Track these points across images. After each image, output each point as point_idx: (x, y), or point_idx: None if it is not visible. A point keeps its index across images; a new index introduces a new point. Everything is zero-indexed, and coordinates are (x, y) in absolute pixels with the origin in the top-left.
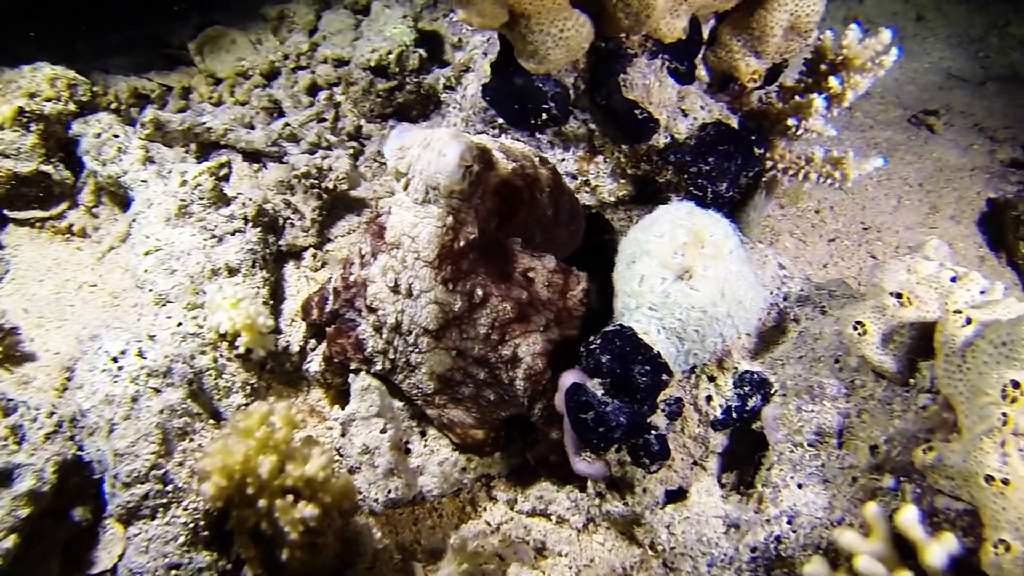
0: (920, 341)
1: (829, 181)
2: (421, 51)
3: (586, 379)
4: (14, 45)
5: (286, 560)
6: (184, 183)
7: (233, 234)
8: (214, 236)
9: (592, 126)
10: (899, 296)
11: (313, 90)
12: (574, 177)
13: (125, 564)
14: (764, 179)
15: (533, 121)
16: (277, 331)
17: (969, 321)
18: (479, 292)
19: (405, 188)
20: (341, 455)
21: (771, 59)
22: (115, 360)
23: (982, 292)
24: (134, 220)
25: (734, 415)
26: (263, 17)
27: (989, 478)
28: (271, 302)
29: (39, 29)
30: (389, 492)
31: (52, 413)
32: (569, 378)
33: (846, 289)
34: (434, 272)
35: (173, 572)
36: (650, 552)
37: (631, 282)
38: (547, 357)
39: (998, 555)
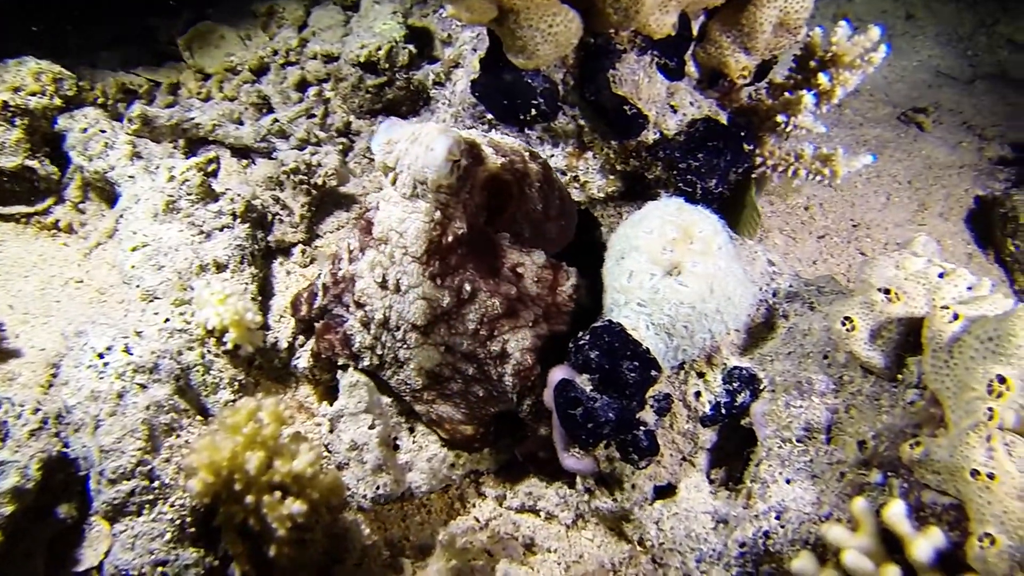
0: (908, 337)
1: (818, 178)
2: (411, 47)
3: (575, 375)
4: (2, 39)
5: (274, 556)
6: (172, 178)
7: (221, 230)
8: (202, 232)
9: (581, 122)
10: (887, 292)
11: (302, 86)
12: (563, 173)
13: (111, 561)
14: (754, 176)
15: (522, 117)
16: (265, 327)
17: (956, 317)
18: (467, 287)
19: (393, 183)
20: (329, 451)
21: (760, 55)
22: (101, 356)
23: (969, 288)
24: (121, 216)
25: (723, 411)
26: (252, 13)
27: (975, 472)
28: (259, 298)
29: (28, 23)
30: (377, 488)
31: (37, 410)
32: (558, 374)
33: (835, 285)
34: (422, 267)
35: (160, 569)
36: (639, 548)
37: (620, 278)
38: (536, 353)
39: (983, 548)
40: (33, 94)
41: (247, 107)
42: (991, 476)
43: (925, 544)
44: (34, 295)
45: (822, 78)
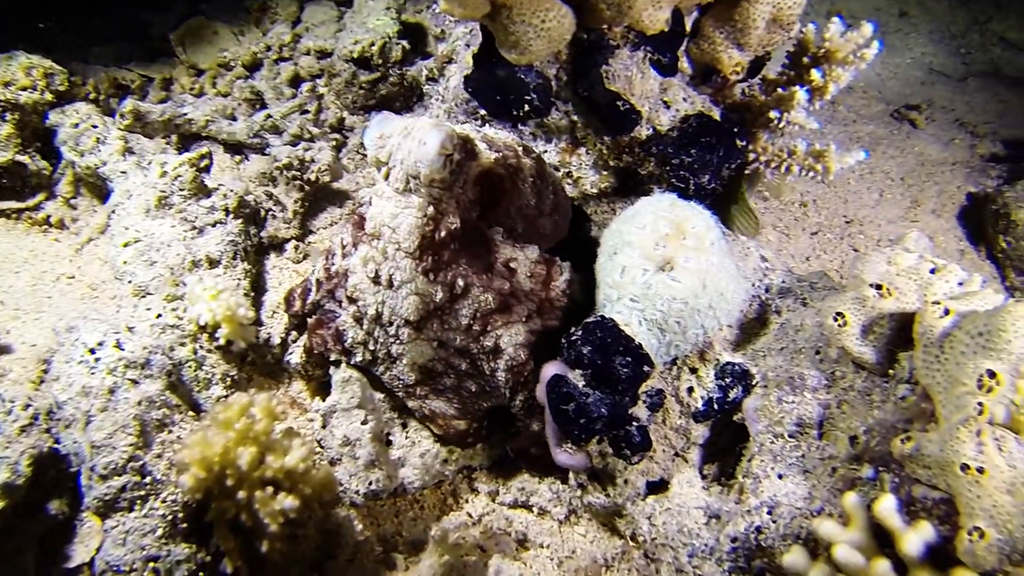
0: (899, 332)
1: (811, 174)
2: (404, 43)
3: (567, 370)
4: None
5: (266, 552)
6: (164, 174)
7: (214, 225)
8: (194, 227)
9: (574, 118)
10: (879, 287)
11: (295, 82)
12: (556, 169)
13: (102, 557)
14: (747, 172)
15: (515, 112)
16: (258, 323)
17: (947, 312)
18: (460, 282)
19: (385, 178)
20: (322, 447)
21: (754, 51)
22: (92, 351)
23: (960, 284)
24: (113, 211)
25: (715, 406)
26: (246, 8)
27: (965, 467)
28: (252, 294)
29: (20, 19)
30: (370, 484)
31: (28, 405)
32: (550, 369)
33: (827, 281)
34: (415, 263)
35: (151, 564)
36: (631, 543)
37: (613, 273)
38: (529, 348)
39: (972, 542)
40: (24, 89)
41: (240, 103)
42: (981, 470)
43: (915, 538)
44: (25, 291)
45: (815, 74)
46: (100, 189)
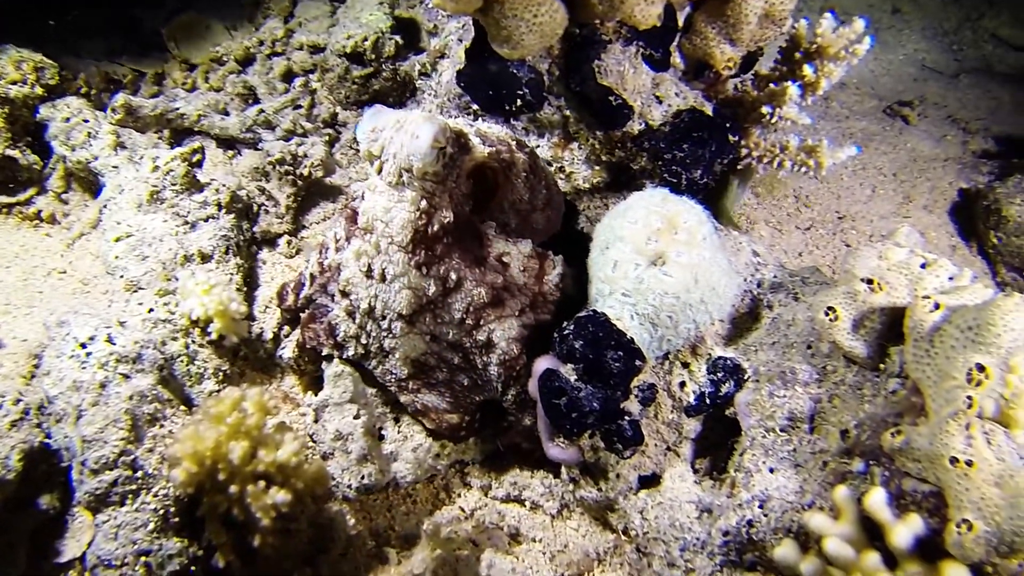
0: (890, 327)
1: (803, 169)
2: (397, 38)
3: (559, 365)
4: None
5: (258, 546)
6: (156, 169)
7: (206, 220)
8: (187, 222)
9: (567, 112)
10: (870, 282)
11: (288, 77)
12: (549, 163)
13: (94, 552)
14: (739, 167)
15: (507, 107)
16: (251, 318)
17: (937, 306)
18: (453, 276)
19: (378, 171)
20: (314, 441)
21: (746, 47)
22: (83, 346)
23: (951, 278)
24: (105, 206)
25: (707, 401)
26: (238, 3)
27: (954, 460)
28: (244, 289)
29: (12, 13)
30: (363, 478)
31: (18, 400)
32: (542, 364)
33: (819, 276)
34: (408, 256)
35: (143, 559)
36: (623, 537)
37: (605, 268)
38: (522, 342)
39: (961, 534)
40: (13, 83)
41: (233, 97)
42: (969, 463)
43: (904, 531)
44: (16, 286)
45: (807, 69)
46: (91, 184)
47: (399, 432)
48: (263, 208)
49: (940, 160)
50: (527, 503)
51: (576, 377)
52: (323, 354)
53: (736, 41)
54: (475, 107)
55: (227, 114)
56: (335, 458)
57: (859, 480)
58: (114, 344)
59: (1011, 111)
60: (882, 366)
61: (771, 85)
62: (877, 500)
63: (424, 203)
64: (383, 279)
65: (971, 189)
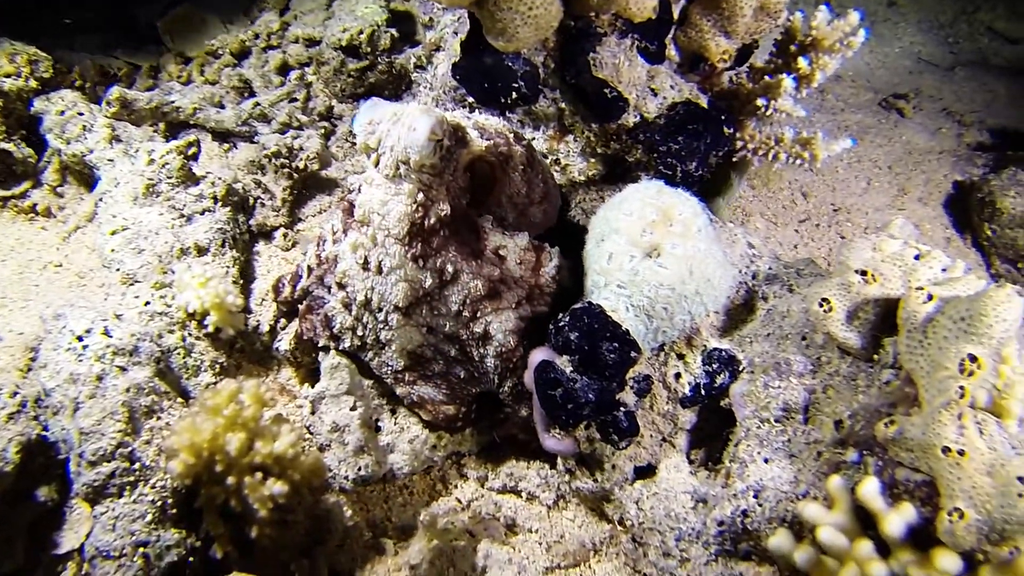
0: (884, 318)
1: (798, 161)
2: (393, 31)
3: (555, 356)
4: None
5: (256, 537)
6: (152, 162)
7: (202, 213)
8: (183, 215)
9: (562, 105)
10: (864, 273)
11: (284, 70)
12: (544, 156)
13: (92, 543)
14: (734, 159)
15: (503, 100)
16: (247, 310)
17: (930, 297)
18: (450, 269)
19: (375, 164)
20: (311, 433)
21: (741, 39)
22: (80, 339)
23: (944, 270)
24: (100, 199)
25: (702, 392)
26: None
27: (946, 449)
28: (241, 282)
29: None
30: (359, 469)
31: (15, 393)
32: (538, 355)
33: (813, 268)
34: (404, 249)
35: (141, 550)
36: (619, 527)
37: (600, 260)
38: (518, 334)
39: (952, 523)
40: (8, 76)
41: (228, 91)
42: (961, 453)
43: (897, 520)
44: (12, 279)
45: (802, 62)
46: (87, 177)
47: (395, 424)
48: (259, 201)
49: (935, 153)
50: (523, 494)
51: (572, 368)
52: (319, 346)
53: (731, 34)
54: (471, 100)
55: (223, 107)
56: (332, 450)
57: (853, 470)
58: (111, 337)
59: (1006, 104)
60: (876, 357)
61: (766, 77)
62: (870, 489)
63: (421, 196)
64: (379, 271)
65: (966, 182)
